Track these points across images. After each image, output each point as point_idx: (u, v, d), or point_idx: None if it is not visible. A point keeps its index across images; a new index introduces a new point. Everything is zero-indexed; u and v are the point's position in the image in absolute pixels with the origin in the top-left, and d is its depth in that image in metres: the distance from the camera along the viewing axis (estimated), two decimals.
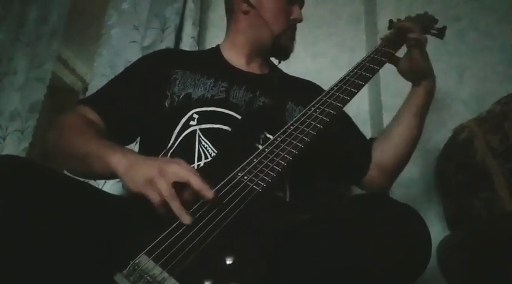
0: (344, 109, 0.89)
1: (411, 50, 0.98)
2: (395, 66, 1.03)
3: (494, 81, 1.47)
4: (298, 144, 0.78)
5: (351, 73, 0.92)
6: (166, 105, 0.96)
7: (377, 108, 1.50)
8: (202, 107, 0.94)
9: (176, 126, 0.91)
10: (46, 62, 1.70)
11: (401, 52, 1.04)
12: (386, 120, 1.37)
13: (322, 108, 0.85)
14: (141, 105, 0.96)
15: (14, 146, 1.56)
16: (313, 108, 0.85)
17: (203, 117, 0.92)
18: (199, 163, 0.86)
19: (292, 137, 0.79)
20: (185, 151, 0.87)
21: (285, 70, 1.17)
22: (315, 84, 1.17)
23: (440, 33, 1.11)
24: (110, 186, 1.34)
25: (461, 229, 1.20)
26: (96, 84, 1.55)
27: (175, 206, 0.64)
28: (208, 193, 0.65)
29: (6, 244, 0.56)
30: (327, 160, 1.02)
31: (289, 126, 0.82)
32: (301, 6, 1.10)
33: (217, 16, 1.75)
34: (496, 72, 1.49)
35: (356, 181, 1.06)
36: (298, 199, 0.90)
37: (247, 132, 0.89)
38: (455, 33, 1.51)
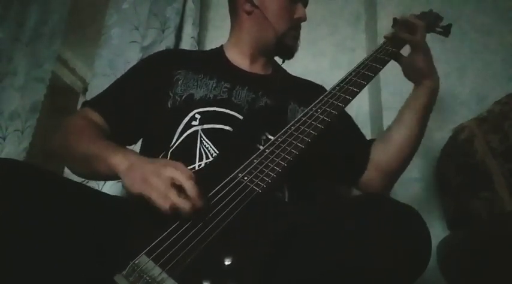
0: (344, 109, 0.89)
1: (412, 49, 0.98)
2: (399, 64, 1.02)
3: (494, 81, 1.47)
4: (299, 144, 0.78)
5: (353, 73, 0.92)
6: (169, 105, 0.96)
7: (377, 108, 1.50)
8: (205, 107, 0.94)
9: (178, 126, 0.92)
10: (46, 62, 1.70)
11: (405, 50, 1.04)
12: (386, 120, 1.37)
13: (324, 108, 0.85)
14: (143, 106, 0.97)
15: (14, 146, 1.57)
16: (314, 108, 0.85)
17: (205, 117, 0.92)
18: (200, 163, 0.86)
19: (293, 137, 0.79)
20: (186, 151, 0.88)
21: (285, 69, 1.17)
22: (318, 84, 1.17)
23: (446, 31, 1.10)
24: (110, 186, 1.34)
25: (461, 229, 1.20)
26: (96, 84, 1.55)
27: (173, 194, 0.64)
28: (198, 202, 0.65)
29: (6, 246, 0.56)
30: (325, 160, 1.02)
31: (290, 126, 0.82)
32: (305, 4, 1.09)
33: (217, 16, 1.75)
34: (496, 72, 1.49)
35: (353, 182, 1.05)
36: (297, 199, 0.90)
37: (248, 132, 0.89)
38: (455, 33, 1.51)
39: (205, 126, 0.91)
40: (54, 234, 0.59)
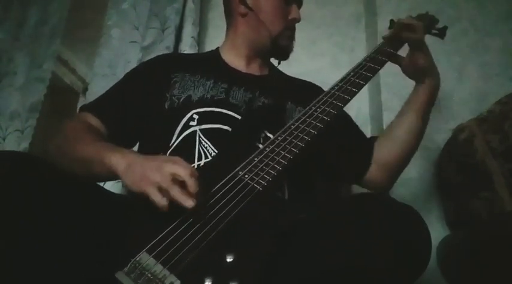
0: (344, 109, 0.89)
1: (412, 48, 0.98)
2: (398, 65, 1.03)
3: (494, 81, 1.47)
4: (299, 142, 0.78)
5: (352, 73, 0.93)
6: (166, 106, 0.96)
7: (377, 108, 1.51)
8: (202, 108, 0.94)
9: (176, 127, 0.92)
10: (46, 62, 1.69)
11: (403, 51, 1.04)
12: (386, 120, 1.37)
13: (323, 107, 0.85)
14: (141, 110, 0.98)
15: (14, 146, 1.56)
16: (314, 107, 0.86)
17: (203, 118, 0.93)
18: (199, 162, 0.86)
19: (293, 136, 0.80)
20: (185, 152, 0.88)
21: (285, 70, 1.18)
22: (314, 84, 1.17)
23: (441, 33, 1.11)
24: (110, 186, 1.34)
25: (461, 229, 1.20)
26: (96, 84, 1.55)
27: (175, 192, 0.63)
28: (190, 201, 0.64)
29: (6, 242, 0.56)
30: (328, 159, 1.02)
31: (290, 125, 0.83)
32: (299, 5, 1.10)
33: (217, 16, 1.75)
34: (496, 72, 1.49)
35: (358, 180, 1.06)
36: (297, 198, 0.91)
37: (247, 131, 0.89)
38: (455, 33, 1.51)
39: (204, 126, 0.91)
40: (54, 231, 0.59)
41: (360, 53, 1.64)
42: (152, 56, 1.49)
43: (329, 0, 1.76)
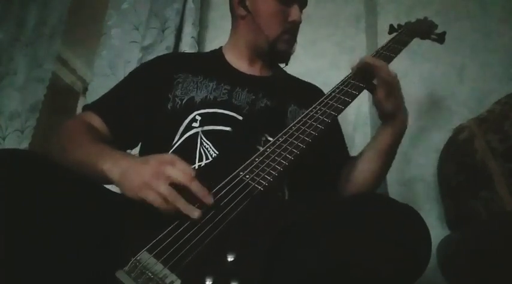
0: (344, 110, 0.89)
1: (380, 87, 0.87)
2: (371, 93, 0.92)
3: (494, 81, 1.47)
4: (299, 144, 0.78)
5: (352, 76, 0.93)
6: (169, 107, 0.96)
7: None
8: (205, 109, 0.94)
9: (179, 128, 0.92)
10: (46, 62, 1.70)
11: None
12: None
13: (324, 109, 0.85)
14: (144, 110, 0.97)
15: (14, 146, 1.57)
16: (314, 110, 0.86)
17: (205, 119, 0.92)
18: (200, 163, 0.86)
19: (293, 137, 0.80)
20: (187, 153, 0.88)
21: (285, 70, 1.17)
22: (316, 87, 1.17)
23: (440, 39, 1.11)
24: (110, 186, 1.34)
25: (461, 229, 1.20)
26: (96, 84, 1.55)
27: (181, 203, 0.63)
28: (207, 199, 0.65)
29: (7, 240, 0.56)
30: (317, 164, 1.00)
31: (291, 126, 0.83)
32: (301, 6, 1.06)
33: (217, 16, 1.75)
34: (496, 72, 1.49)
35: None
36: (297, 198, 0.91)
37: (248, 133, 0.89)
38: (455, 33, 1.51)
39: (206, 128, 0.91)
40: (55, 229, 0.59)
41: (360, 53, 1.64)
42: (152, 56, 1.50)
43: (329, 0, 1.76)
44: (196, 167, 0.85)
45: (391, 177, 1.39)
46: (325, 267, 0.61)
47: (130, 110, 0.97)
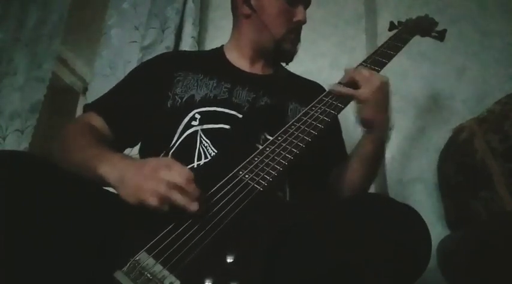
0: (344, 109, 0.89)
1: (357, 103, 0.88)
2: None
3: (494, 81, 1.47)
4: (299, 143, 0.78)
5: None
6: (168, 105, 0.96)
7: None
8: (205, 107, 0.94)
9: (178, 126, 0.92)
10: (46, 62, 1.70)
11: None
12: None
13: (324, 108, 0.85)
14: (144, 108, 0.97)
15: (14, 146, 1.57)
16: (314, 109, 0.86)
17: (205, 117, 0.92)
18: (199, 162, 0.86)
19: (293, 136, 0.80)
20: (186, 151, 0.87)
21: (287, 69, 1.17)
22: (319, 84, 1.16)
23: (441, 36, 1.11)
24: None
25: (461, 229, 1.20)
26: (96, 84, 1.55)
27: (178, 197, 0.63)
28: (194, 205, 0.64)
29: (6, 241, 0.56)
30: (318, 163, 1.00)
31: (290, 125, 0.83)
32: (306, 6, 1.07)
33: (217, 16, 1.75)
34: (496, 72, 1.49)
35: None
36: (298, 198, 0.91)
37: (247, 131, 0.89)
38: (455, 33, 1.51)
39: (205, 126, 0.91)
40: (53, 230, 0.59)
41: (360, 53, 1.64)
42: (152, 56, 1.49)
43: (329, 0, 1.76)
44: (196, 166, 0.85)
45: (391, 177, 1.39)
46: (325, 267, 0.61)
47: (131, 109, 0.96)
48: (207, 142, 0.89)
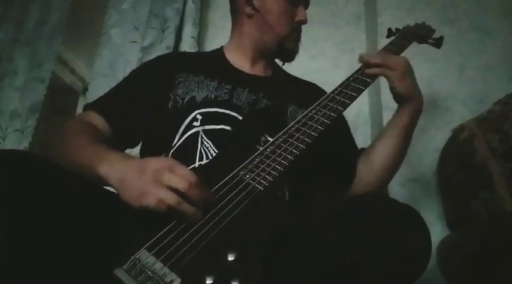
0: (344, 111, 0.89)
1: (388, 79, 0.95)
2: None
3: (494, 81, 1.48)
4: (299, 144, 0.78)
5: (351, 78, 0.94)
6: (170, 106, 0.96)
7: (377, 108, 1.51)
8: (206, 108, 0.94)
9: (180, 127, 0.92)
10: (46, 62, 1.70)
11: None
12: (386, 120, 1.37)
13: (324, 110, 0.86)
14: (145, 109, 0.97)
15: (14, 146, 1.57)
16: (314, 110, 0.86)
17: (206, 118, 0.93)
18: (200, 163, 0.86)
19: (293, 138, 0.80)
20: (187, 152, 0.88)
21: (285, 70, 1.18)
22: (318, 86, 1.17)
23: (437, 43, 1.12)
24: None
25: (461, 229, 1.20)
26: (96, 84, 1.55)
27: (183, 207, 0.63)
28: (195, 214, 0.64)
29: (6, 241, 0.56)
30: (319, 166, 1.00)
31: (290, 127, 0.83)
32: (305, 7, 1.09)
33: (217, 16, 1.75)
34: (496, 72, 1.49)
35: (342, 192, 1.04)
36: (298, 199, 0.91)
37: (247, 133, 0.89)
38: (455, 33, 1.51)
39: (207, 127, 0.91)
40: (54, 229, 0.59)
41: (359, 53, 1.64)
42: (152, 56, 1.50)
43: (329, 0, 1.76)
44: (197, 166, 0.85)
45: None
46: (325, 267, 0.62)
47: (131, 109, 0.97)
48: (208, 143, 0.89)
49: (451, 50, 1.49)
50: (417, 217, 0.64)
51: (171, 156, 0.89)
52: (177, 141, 0.91)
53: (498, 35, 1.54)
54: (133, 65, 1.55)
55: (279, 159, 0.75)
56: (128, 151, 1.07)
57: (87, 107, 0.99)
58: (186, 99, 0.97)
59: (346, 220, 0.64)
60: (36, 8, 1.78)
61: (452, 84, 1.48)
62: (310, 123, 0.83)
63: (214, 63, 1.07)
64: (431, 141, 1.41)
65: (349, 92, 0.89)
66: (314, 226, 0.67)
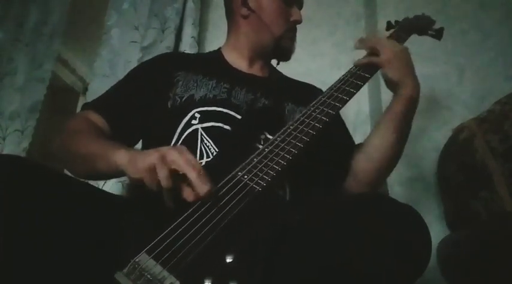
0: (345, 108, 0.89)
1: (381, 66, 0.94)
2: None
3: (494, 81, 1.48)
4: (297, 143, 0.78)
5: (349, 75, 0.93)
6: (169, 105, 0.97)
7: (377, 107, 1.51)
8: (204, 106, 0.95)
9: (178, 126, 0.92)
10: (46, 62, 1.70)
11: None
12: None
13: (322, 108, 0.86)
14: (144, 107, 0.97)
15: (14, 146, 1.57)
16: (312, 108, 0.86)
17: (205, 116, 0.93)
18: (201, 161, 0.86)
19: (291, 137, 0.80)
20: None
21: (285, 70, 1.18)
22: (313, 86, 1.17)
23: (438, 34, 1.11)
24: (110, 186, 1.35)
25: (461, 229, 1.20)
26: (96, 84, 1.55)
27: (192, 175, 0.64)
28: (202, 188, 0.64)
29: (5, 243, 0.56)
30: (315, 162, 1.00)
31: (289, 126, 0.83)
32: (299, 7, 1.11)
33: (217, 16, 1.75)
34: (496, 72, 1.49)
35: (337, 188, 1.03)
36: (298, 197, 0.91)
37: (247, 131, 0.89)
38: (455, 33, 1.51)
39: (205, 124, 0.91)
40: (53, 233, 0.59)
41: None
42: (152, 56, 1.49)
43: (329, 0, 1.76)
44: None
45: (391, 177, 1.39)
46: (325, 268, 0.61)
47: (130, 108, 0.97)
48: (208, 142, 0.89)
49: (451, 50, 1.49)
50: (417, 217, 0.64)
51: None
52: (177, 139, 0.91)
53: (498, 35, 1.54)
54: (133, 65, 1.54)
55: (277, 159, 0.75)
56: None
57: (86, 107, 0.99)
58: (184, 98, 0.97)
59: (347, 218, 0.64)
60: (36, 8, 1.78)
61: (452, 84, 1.49)
62: (308, 121, 0.83)
63: (212, 63, 1.08)
64: (431, 141, 1.41)
65: (348, 88, 0.89)
66: (314, 226, 0.67)
